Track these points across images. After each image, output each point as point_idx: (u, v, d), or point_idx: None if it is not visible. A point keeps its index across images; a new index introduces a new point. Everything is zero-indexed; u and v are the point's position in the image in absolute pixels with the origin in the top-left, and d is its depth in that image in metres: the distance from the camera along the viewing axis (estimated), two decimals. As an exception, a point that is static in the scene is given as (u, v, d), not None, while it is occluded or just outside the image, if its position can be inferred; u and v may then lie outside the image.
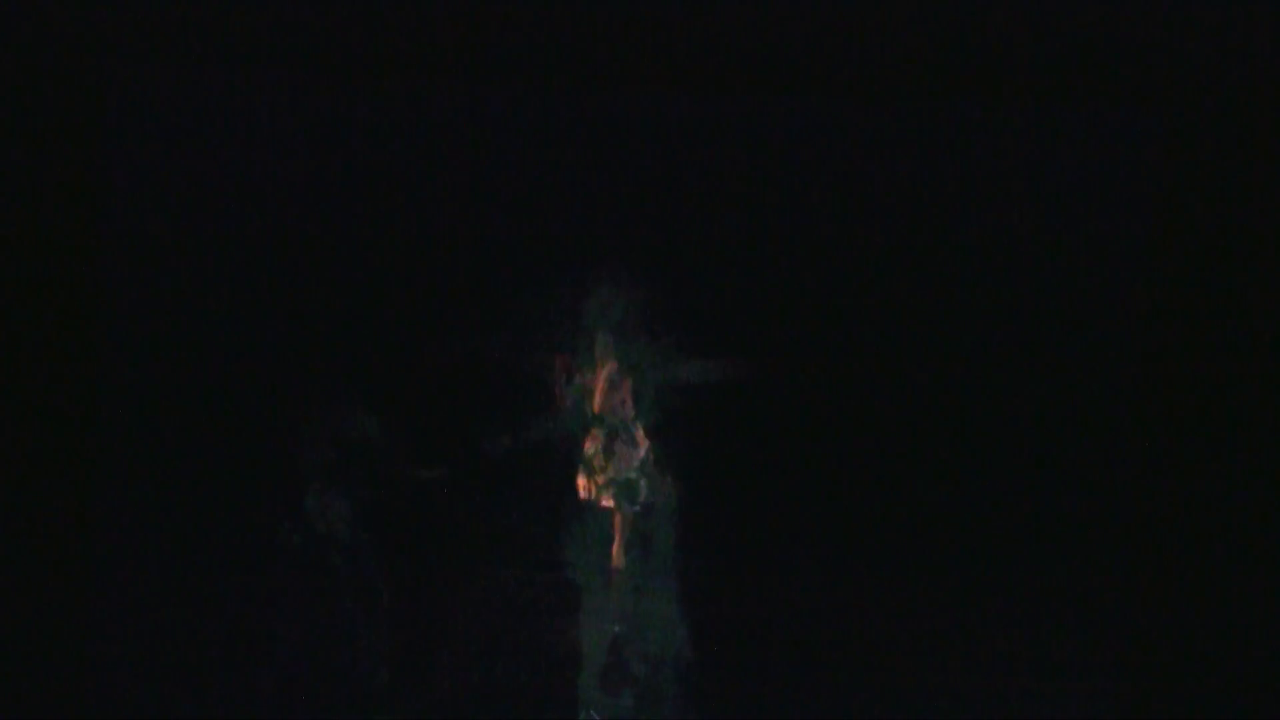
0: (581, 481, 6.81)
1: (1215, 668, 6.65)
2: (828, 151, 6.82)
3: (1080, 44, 6.59)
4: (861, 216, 6.85)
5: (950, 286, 6.82)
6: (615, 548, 6.79)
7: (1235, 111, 6.60)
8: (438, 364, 6.78)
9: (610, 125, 6.84)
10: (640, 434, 6.82)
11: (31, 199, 6.46)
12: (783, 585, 6.86)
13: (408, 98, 6.76)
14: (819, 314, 6.85)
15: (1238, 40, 6.57)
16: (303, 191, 6.76)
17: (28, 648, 6.47)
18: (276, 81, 6.69)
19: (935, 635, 6.86)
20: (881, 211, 6.84)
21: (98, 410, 6.57)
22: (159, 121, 6.69)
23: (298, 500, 6.73)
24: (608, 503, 6.81)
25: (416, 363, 6.77)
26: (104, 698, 6.63)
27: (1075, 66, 6.61)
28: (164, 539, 6.67)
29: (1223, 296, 6.63)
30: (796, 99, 6.76)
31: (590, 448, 6.86)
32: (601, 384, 6.84)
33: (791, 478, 6.84)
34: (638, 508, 6.83)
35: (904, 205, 6.84)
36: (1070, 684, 6.81)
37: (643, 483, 6.84)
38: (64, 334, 6.50)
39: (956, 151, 6.80)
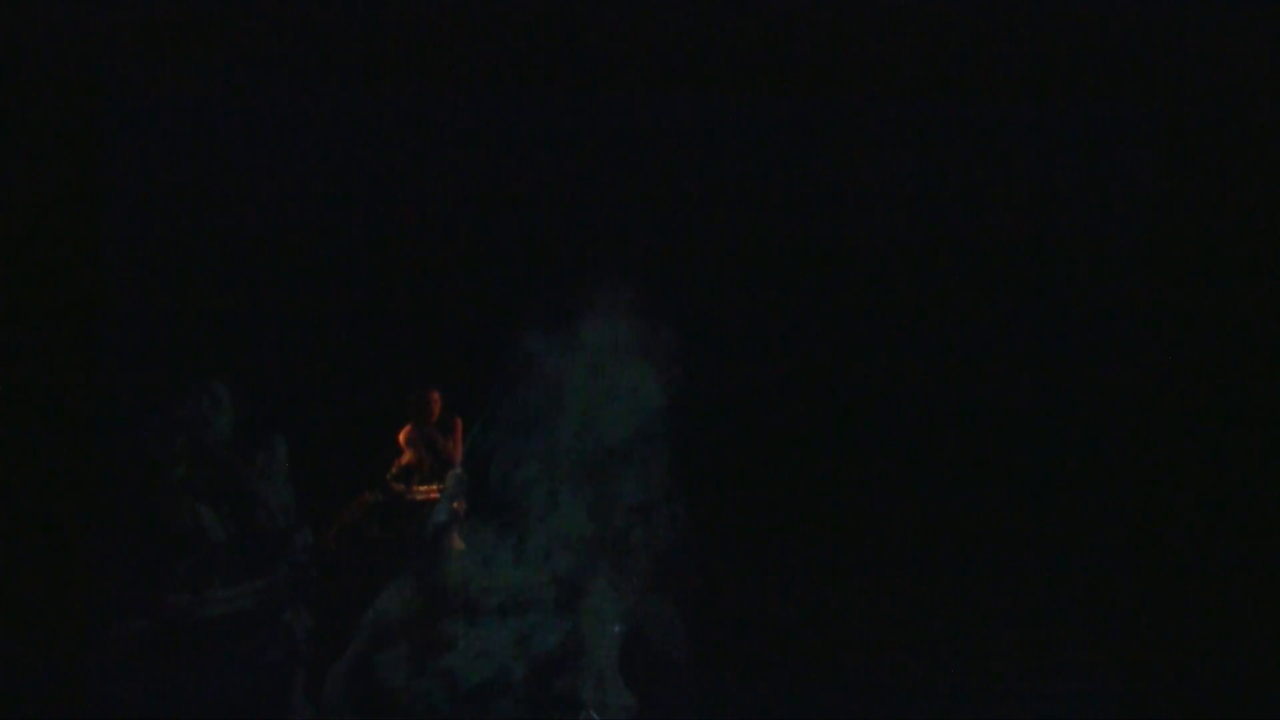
0: None
1: (1216, 668, 6.65)
2: (828, 151, 6.86)
3: (1080, 44, 6.62)
4: (860, 216, 6.89)
5: (949, 285, 6.86)
6: None
7: (1233, 111, 6.63)
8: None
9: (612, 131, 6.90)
10: None
11: (33, 199, 6.48)
12: (784, 588, 6.88)
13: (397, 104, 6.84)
14: (819, 314, 6.88)
15: (1236, 40, 6.61)
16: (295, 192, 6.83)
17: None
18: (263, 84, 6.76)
19: (931, 637, 6.89)
20: (880, 210, 6.87)
21: (98, 405, 6.59)
22: (158, 123, 6.74)
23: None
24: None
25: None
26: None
27: (1075, 66, 6.65)
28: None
29: (1221, 294, 6.65)
30: (795, 100, 6.79)
31: None
32: None
33: (792, 479, 6.86)
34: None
35: (903, 204, 6.87)
36: (1070, 684, 6.82)
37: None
38: (64, 332, 6.51)
39: (957, 152, 6.85)
